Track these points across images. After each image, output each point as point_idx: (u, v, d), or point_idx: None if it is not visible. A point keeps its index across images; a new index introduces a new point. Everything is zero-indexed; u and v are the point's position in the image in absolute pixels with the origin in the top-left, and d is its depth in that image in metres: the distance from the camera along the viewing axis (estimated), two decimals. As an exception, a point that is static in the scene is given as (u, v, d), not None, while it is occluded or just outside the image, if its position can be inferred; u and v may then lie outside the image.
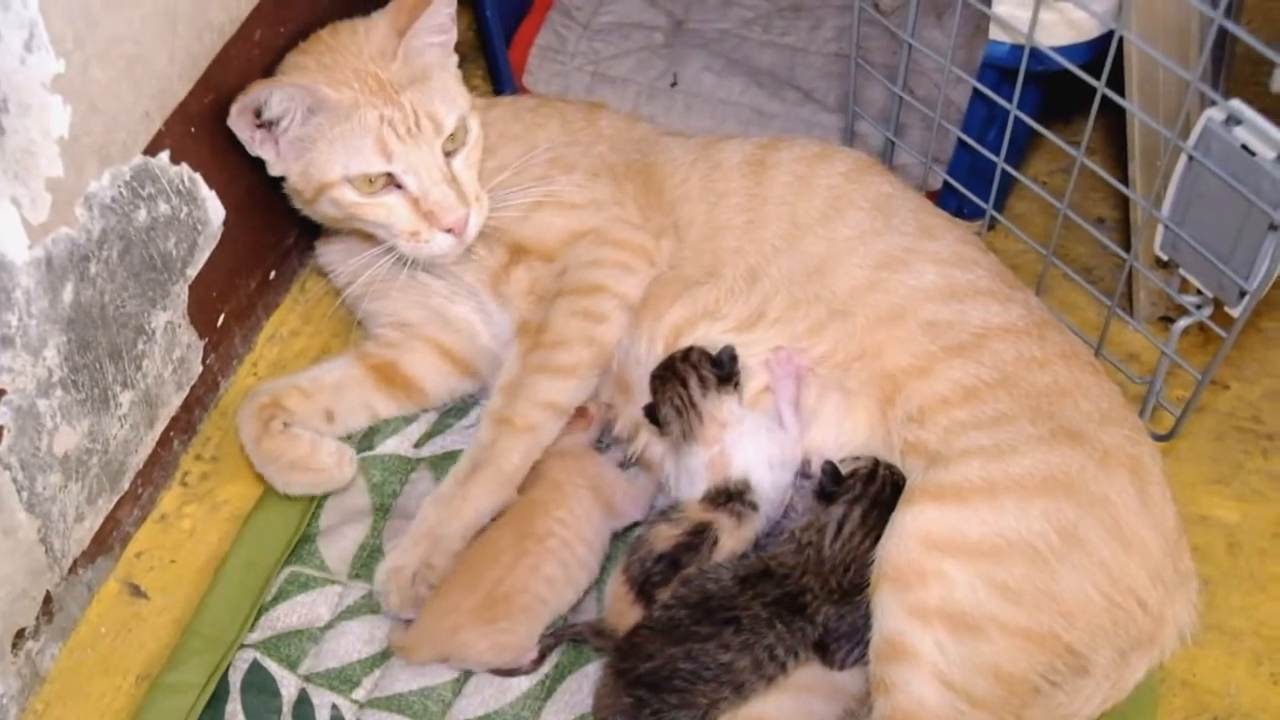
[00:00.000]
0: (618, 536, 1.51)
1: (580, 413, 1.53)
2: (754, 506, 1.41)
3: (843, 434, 1.44)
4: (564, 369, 1.48)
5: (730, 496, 1.41)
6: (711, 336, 1.47)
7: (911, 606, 1.25)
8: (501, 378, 1.50)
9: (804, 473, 1.43)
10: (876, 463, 1.39)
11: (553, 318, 1.49)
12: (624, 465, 1.55)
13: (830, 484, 1.38)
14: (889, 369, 1.41)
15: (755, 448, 1.42)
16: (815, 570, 1.36)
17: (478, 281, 1.56)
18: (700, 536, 1.39)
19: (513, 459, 1.46)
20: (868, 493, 1.37)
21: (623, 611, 1.39)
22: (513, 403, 1.47)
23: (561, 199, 1.52)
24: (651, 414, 1.46)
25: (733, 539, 1.40)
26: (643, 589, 1.39)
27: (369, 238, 1.53)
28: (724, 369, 1.43)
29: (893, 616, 1.26)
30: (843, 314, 1.44)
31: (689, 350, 1.46)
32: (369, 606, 1.47)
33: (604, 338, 1.49)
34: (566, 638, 1.43)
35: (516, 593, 1.39)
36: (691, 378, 1.44)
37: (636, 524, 1.52)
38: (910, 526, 1.29)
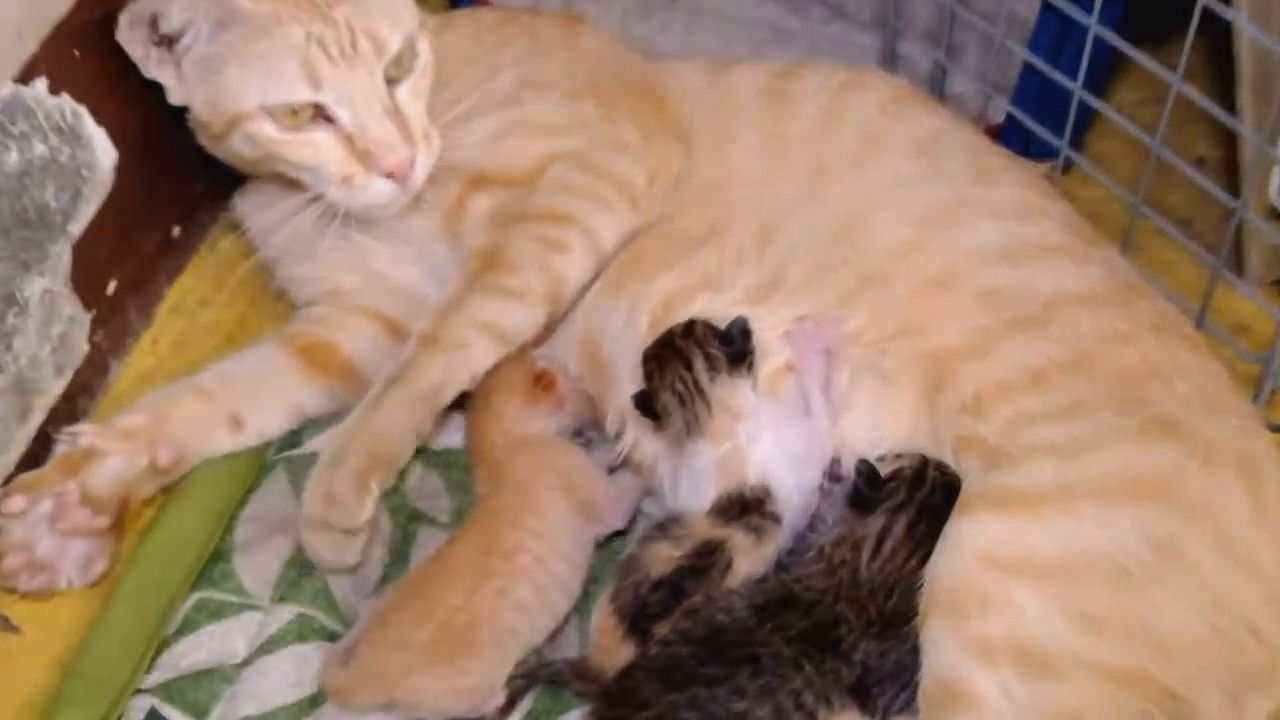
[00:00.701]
0: (598, 546, 1.52)
1: (543, 383, 1.54)
2: (776, 519, 1.41)
3: (880, 428, 1.44)
4: (509, 291, 1.49)
5: (746, 507, 1.41)
6: (713, 312, 1.47)
7: (971, 641, 1.25)
8: (438, 299, 1.50)
9: (833, 475, 1.43)
10: (924, 462, 1.39)
11: (506, 240, 1.50)
12: (611, 470, 1.56)
13: (867, 489, 1.37)
14: (936, 348, 1.42)
15: (777, 443, 1.43)
16: (850, 596, 1.35)
17: (429, 227, 1.57)
18: (709, 559, 1.39)
19: (429, 376, 1.45)
20: (914, 499, 1.37)
21: (611, 648, 1.39)
22: (443, 321, 1.48)
23: (534, 121, 1.54)
24: (644, 403, 1.46)
25: (749, 560, 1.40)
26: (636, 622, 1.38)
27: (292, 184, 1.52)
28: (735, 345, 1.43)
29: (947, 653, 1.26)
30: (878, 281, 1.45)
31: (690, 325, 1.45)
32: (298, 635, 1.47)
33: (562, 270, 1.50)
34: (541, 679, 1.43)
35: (480, 623, 1.39)
36: (696, 357, 1.44)
37: (618, 533, 1.53)
38: (968, 541, 1.28)
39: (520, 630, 1.41)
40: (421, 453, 1.57)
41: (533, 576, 1.43)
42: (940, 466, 1.39)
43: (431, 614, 1.40)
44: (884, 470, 1.39)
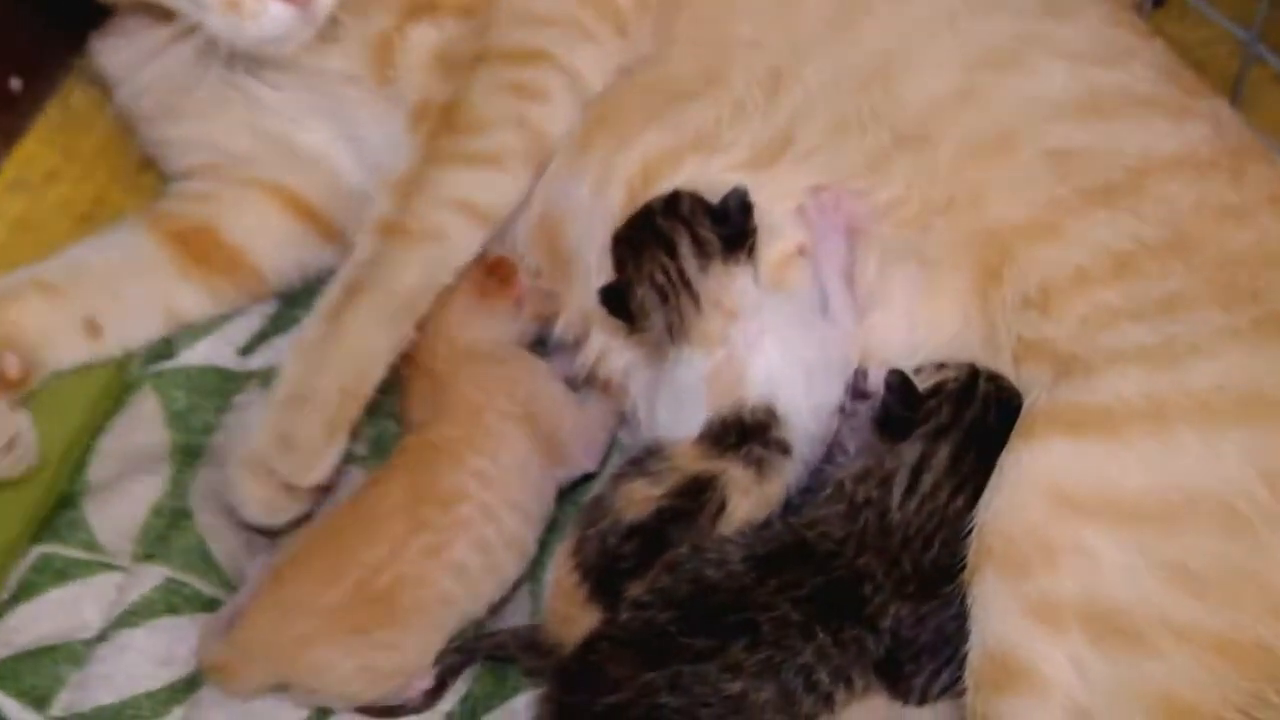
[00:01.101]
0: (563, 495, 1.52)
1: (500, 274, 1.54)
2: (783, 448, 1.37)
3: (918, 329, 1.41)
4: (485, 156, 1.48)
5: (745, 433, 1.37)
6: (706, 180, 1.44)
7: (1033, 602, 1.22)
8: (390, 178, 1.49)
9: (857, 390, 1.39)
10: (974, 373, 1.35)
11: (469, 92, 1.48)
12: (571, 386, 1.56)
13: (900, 407, 1.33)
14: (993, 225, 1.38)
15: (785, 350, 1.39)
16: (878, 546, 1.32)
17: (347, 70, 1.54)
18: (697, 498, 1.35)
19: (405, 276, 1.44)
20: (960, 420, 1.33)
21: (570, 614, 1.36)
22: (408, 202, 1.46)
23: None
24: (614, 300, 1.43)
25: (749, 500, 1.36)
26: (603, 581, 1.35)
27: (165, 16, 1.47)
28: (732, 225, 1.40)
29: (1003, 618, 1.23)
30: (918, 141, 1.42)
31: (675, 198, 1.42)
32: (166, 604, 1.43)
33: (542, 123, 1.48)
34: (481, 655, 1.42)
35: (404, 587, 1.38)
36: (682, 239, 1.41)
37: (589, 477, 1.53)
38: (1030, 474, 1.26)
39: (456, 597, 1.40)
40: (255, 368, 1.61)
41: (476, 531, 1.41)
42: (995, 378, 1.36)
43: (343, 573, 1.38)
44: (922, 384, 1.36)
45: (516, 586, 1.48)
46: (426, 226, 1.46)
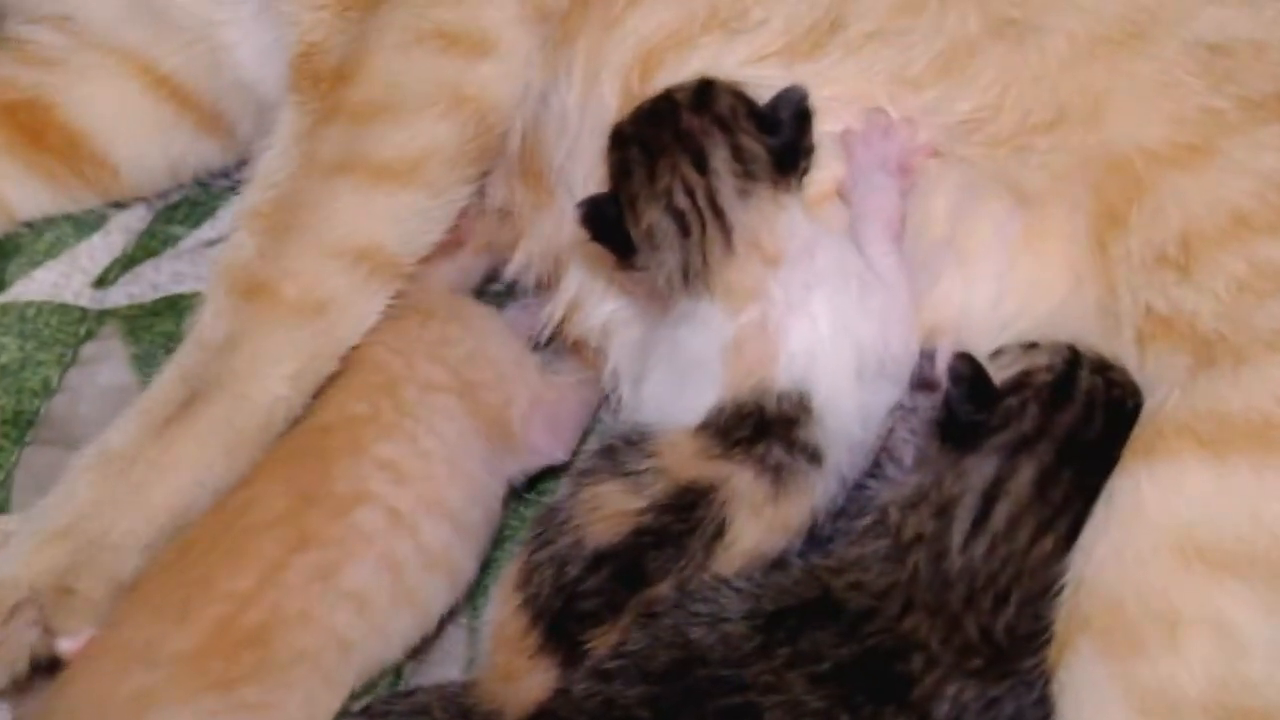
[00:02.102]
0: (518, 495, 1.53)
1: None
2: (813, 454, 1.35)
3: (1008, 294, 1.40)
4: (394, 169, 1.48)
5: (764, 428, 1.34)
6: (725, 72, 1.43)
7: (1146, 694, 1.21)
8: (258, 174, 1.50)
9: (922, 378, 1.39)
10: (1074, 359, 1.34)
11: (374, 45, 1.49)
12: (535, 346, 1.56)
13: (966, 405, 1.31)
14: (1118, 148, 1.37)
15: (836, 317, 1.38)
16: (932, 602, 1.30)
17: None
18: (688, 517, 1.33)
19: (271, 381, 1.44)
20: (1052, 427, 1.31)
21: (515, 669, 1.35)
22: (280, 247, 1.46)
23: None
24: (600, 218, 1.40)
25: (759, 524, 1.34)
26: (558, 626, 1.34)
27: None
28: (785, 133, 1.38)
29: (1101, 715, 1.22)
30: (1018, 27, 1.41)
31: (708, 88, 1.41)
32: None
33: (485, 92, 1.50)
34: None
35: (283, 625, 1.35)
36: (718, 149, 1.39)
37: (554, 471, 1.52)
38: (1152, 511, 1.24)
39: (356, 639, 1.38)
40: (113, 306, 1.62)
41: (382, 546, 1.39)
42: (1103, 368, 1.34)
43: (198, 607, 1.35)
44: (1002, 373, 1.34)
45: (447, 622, 1.46)
46: (304, 292, 1.46)
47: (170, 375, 1.48)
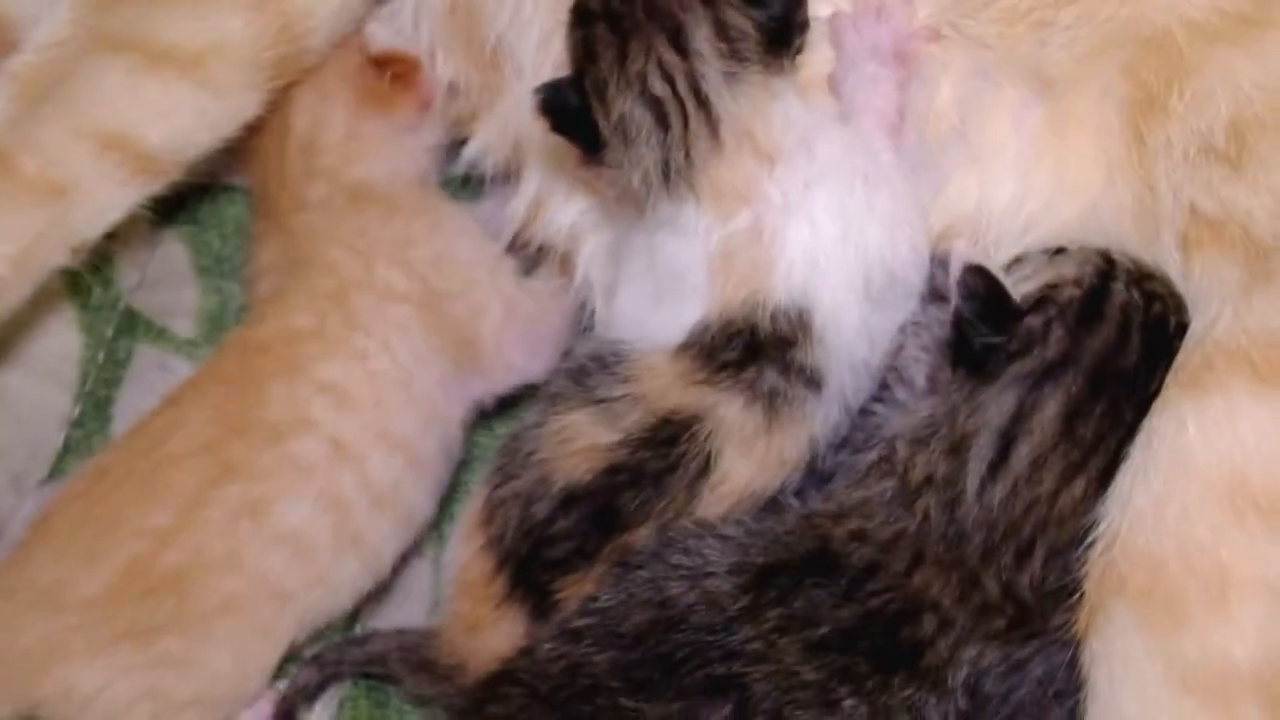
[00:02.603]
0: (481, 420, 1.52)
1: (396, 72, 1.50)
2: (812, 379, 1.31)
3: (1030, 189, 1.37)
4: (175, 56, 1.44)
5: (756, 348, 1.31)
6: None
7: (1187, 666, 1.18)
8: (34, 37, 1.48)
9: (934, 288, 1.36)
10: (1107, 268, 1.30)
11: None
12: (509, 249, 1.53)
13: (980, 325, 1.27)
14: (1157, 19, 1.32)
15: (842, 219, 1.33)
16: (945, 555, 1.27)
17: None
18: (668, 450, 1.30)
19: None
20: (1080, 352, 1.27)
21: (480, 619, 1.34)
22: (28, 113, 1.43)
23: None
24: (561, 106, 1.34)
25: (750, 460, 1.31)
26: (526, 570, 1.32)
27: None
28: (774, 6, 1.33)
29: (1138, 689, 1.20)
30: None
31: None
32: None
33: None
34: (347, 673, 1.42)
35: (206, 568, 1.34)
36: (698, 24, 1.33)
37: (524, 393, 1.50)
38: (1199, 454, 1.20)
39: (293, 586, 1.37)
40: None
41: (323, 480, 1.37)
42: (1141, 278, 1.30)
43: (110, 547, 1.33)
44: (1022, 284, 1.31)
45: (409, 554, 1.45)
46: (45, 170, 1.41)
47: None
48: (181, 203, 1.60)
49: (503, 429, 1.51)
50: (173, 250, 1.59)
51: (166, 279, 1.58)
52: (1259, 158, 1.28)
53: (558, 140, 1.37)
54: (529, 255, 1.53)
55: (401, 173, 1.51)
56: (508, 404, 1.52)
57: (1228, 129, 1.29)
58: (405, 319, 1.43)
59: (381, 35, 1.49)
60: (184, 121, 1.46)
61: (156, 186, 1.46)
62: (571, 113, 1.34)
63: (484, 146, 1.50)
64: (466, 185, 1.58)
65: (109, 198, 1.43)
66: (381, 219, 1.47)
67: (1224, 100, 1.30)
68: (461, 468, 1.48)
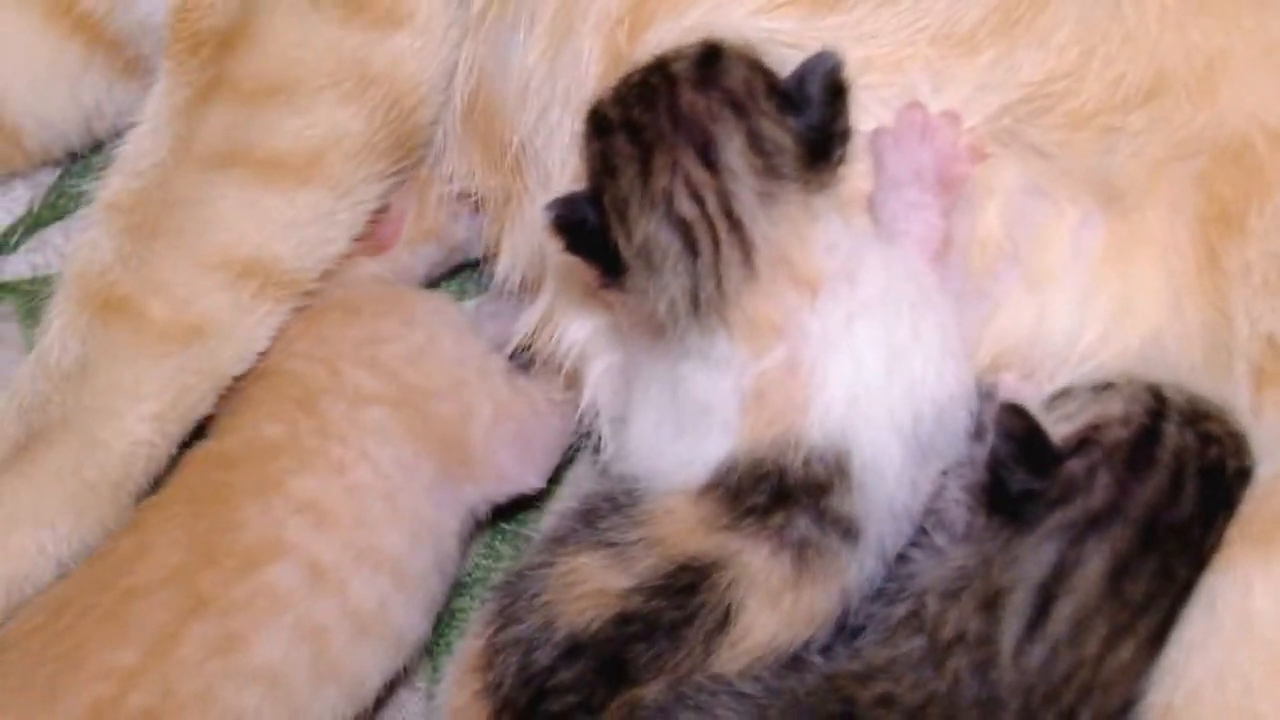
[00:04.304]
0: (486, 531, 1.53)
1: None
2: (848, 529, 1.28)
3: (1089, 317, 1.35)
4: (289, 162, 1.43)
5: (786, 494, 1.27)
6: (730, 21, 1.36)
7: None
8: (122, 156, 1.43)
9: (980, 429, 1.32)
10: (1159, 407, 1.26)
11: (265, 6, 1.44)
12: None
13: (1018, 469, 1.24)
14: (1232, 128, 1.30)
15: (888, 354, 1.31)
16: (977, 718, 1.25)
17: None
18: (685, 600, 1.27)
19: (130, 422, 1.39)
20: (1129, 502, 1.24)
21: None
22: (144, 251, 1.40)
23: None
24: (576, 223, 1.31)
25: (777, 615, 1.28)
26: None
27: None
28: (814, 113, 1.30)
29: None
30: None
31: (713, 54, 1.31)
32: None
33: (398, 70, 1.46)
34: None
35: (176, 712, 1.30)
36: (731, 136, 1.30)
37: (527, 504, 1.51)
38: (1269, 620, 1.18)
39: None
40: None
41: (300, 609, 1.35)
42: (1197, 418, 1.26)
43: (69, 685, 1.30)
44: (1063, 425, 1.27)
45: (399, 685, 1.43)
46: (178, 314, 1.40)
47: (5, 409, 1.43)
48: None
49: (507, 549, 1.50)
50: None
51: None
52: None
53: (571, 259, 1.36)
54: (526, 361, 1.52)
55: (368, 273, 1.50)
56: (507, 518, 1.51)
57: None
58: (382, 423, 1.41)
59: None
60: (312, 231, 1.45)
61: (295, 302, 1.45)
62: (589, 232, 1.32)
63: (511, 261, 1.49)
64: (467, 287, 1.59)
65: (253, 330, 1.43)
66: (340, 322, 1.46)
67: None
68: (459, 590, 1.47)
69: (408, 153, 1.48)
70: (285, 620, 1.33)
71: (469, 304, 1.58)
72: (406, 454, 1.40)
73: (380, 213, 1.50)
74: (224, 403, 1.44)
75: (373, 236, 1.50)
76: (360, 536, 1.37)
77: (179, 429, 1.41)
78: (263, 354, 1.44)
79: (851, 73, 1.33)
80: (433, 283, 1.60)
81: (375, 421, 1.40)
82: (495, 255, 1.50)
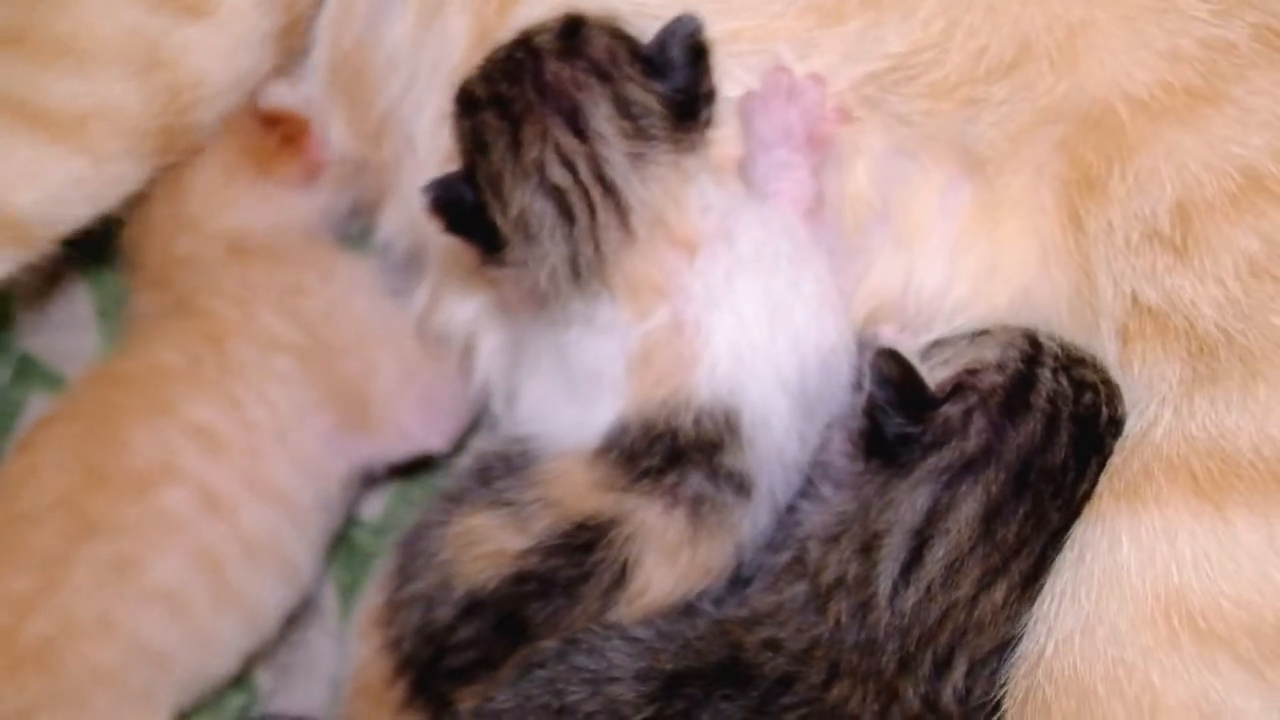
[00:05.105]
0: (397, 478, 1.53)
1: (286, 133, 1.50)
2: (741, 483, 1.30)
3: (961, 275, 1.36)
4: (55, 119, 1.43)
5: (679, 453, 1.30)
6: (606, 4, 1.36)
7: None
8: None
9: (860, 375, 1.33)
10: (1033, 353, 1.28)
11: None
12: None
13: (893, 414, 1.26)
14: (1097, 95, 1.31)
15: (771, 309, 1.33)
16: (858, 665, 1.26)
17: None
18: (582, 559, 1.30)
19: None
20: (1002, 446, 1.25)
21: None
22: None
23: None
24: (453, 204, 1.32)
25: (673, 571, 1.30)
26: (426, 676, 1.31)
27: None
28: (677, 77, 1.32)
29: None
30: None
31: (576, 27, 1.33)
32: None
33: (184, 60, 1.43)
34: None
35: (72, 636, 1.31)
36: (598, 103, 1.32)
37: (426, 463, 1.52)
38: (1135, 573, 1.20)
39: (169, 648, 1.34)
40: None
41: (194, 533, 1.35)
42: (1070, 364, 1.28)
43: None
44: (939, 370, 1.29)
45: (310, 627, 1.44)
46: None
47: None
48: (90, 239, 1.55)
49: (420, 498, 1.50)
50: (76, 291, 1.58)
51: (68, 322, 1.57)
52: (1206, 244, 1.27)
53: (453, 240, 1.38)
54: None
55: (286, 229, 1.51)
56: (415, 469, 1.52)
57: (1173, 213, 1.28)
58: (287, 370, 1.42)
59: (277, 93, 1.48)
60: (58, 190, 1.44)
61: (29, 256, 1.45)
62: (467, 211, 1.33)
63: (392, 230, 1.51)
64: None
65: None
66: (266, 269, 1.46)
67: (1169, 182, 1.28)
68: (377, 535, 1.48)
69: (174, 146, 1.47)
70: (180, 543, 1.34)
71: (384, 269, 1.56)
72: (305, 401, 1.41)
73: (305, 139, 1.50)
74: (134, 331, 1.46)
75: (303, 157, 1.50)
76: (252, 467, 1.38)
77: None
78: (185, 291, 1.45)
79: (720, 43, 1.35)
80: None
81: (280, 367, 1.41)
82: (375, 224, 1.52)
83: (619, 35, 1.33)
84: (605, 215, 1.30)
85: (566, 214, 1.30)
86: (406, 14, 1.43)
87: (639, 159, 1.30)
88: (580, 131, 1.30)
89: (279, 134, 1.48)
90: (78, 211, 1.44)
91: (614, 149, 1.30)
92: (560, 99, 1.30)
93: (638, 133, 1.30)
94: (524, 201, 1.30)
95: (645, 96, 1.31)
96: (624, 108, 1.30)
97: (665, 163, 1.31)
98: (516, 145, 1.30)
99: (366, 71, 1.48)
